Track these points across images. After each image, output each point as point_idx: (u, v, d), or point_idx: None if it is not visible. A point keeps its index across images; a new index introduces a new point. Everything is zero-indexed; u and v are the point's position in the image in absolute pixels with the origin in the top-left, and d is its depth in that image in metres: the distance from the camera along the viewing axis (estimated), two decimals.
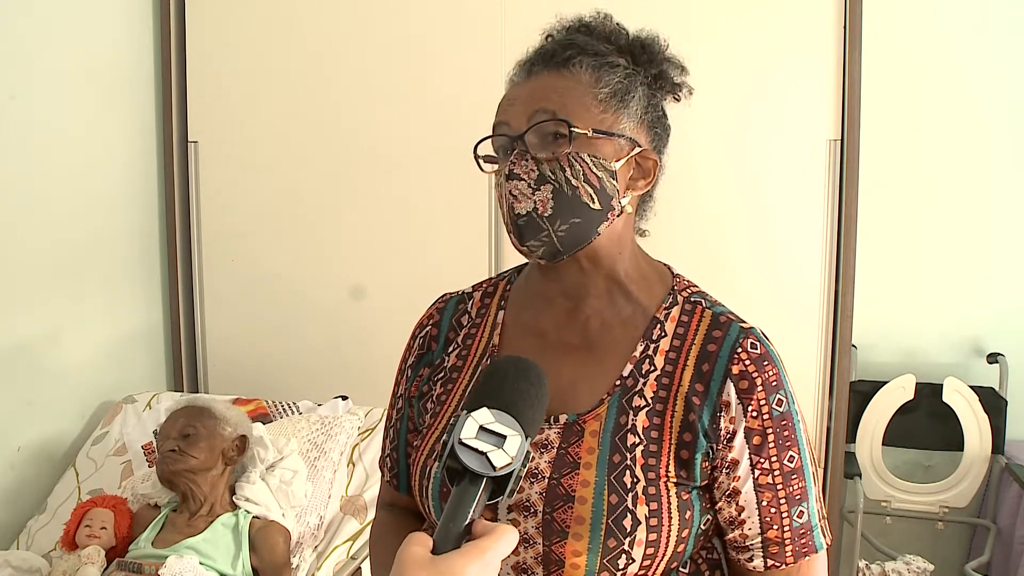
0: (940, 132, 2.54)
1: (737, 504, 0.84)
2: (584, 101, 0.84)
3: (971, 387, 2.46)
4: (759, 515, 0.83)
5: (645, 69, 0.90)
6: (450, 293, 1.03)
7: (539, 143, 0.84)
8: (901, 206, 2.57)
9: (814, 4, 2.00)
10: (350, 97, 2.27)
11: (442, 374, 0.96)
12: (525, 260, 0.96)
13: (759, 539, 0.84)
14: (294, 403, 2.12)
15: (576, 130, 0.82)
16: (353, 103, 2.27)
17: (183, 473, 1.62)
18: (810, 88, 2.02)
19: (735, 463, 0.83)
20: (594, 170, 0.84)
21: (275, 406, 2.11)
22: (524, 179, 0.84)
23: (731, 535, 0.86)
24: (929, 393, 2.49)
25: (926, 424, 2.52)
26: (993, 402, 2.46)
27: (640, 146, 0.87)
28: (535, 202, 0.84)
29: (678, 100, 0.93)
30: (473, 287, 1.03)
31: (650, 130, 0.89)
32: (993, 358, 2.52)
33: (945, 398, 2.47)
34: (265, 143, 2.34)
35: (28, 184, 1.95)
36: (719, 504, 0.85)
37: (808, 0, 2.00)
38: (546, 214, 0.84)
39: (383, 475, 1.05)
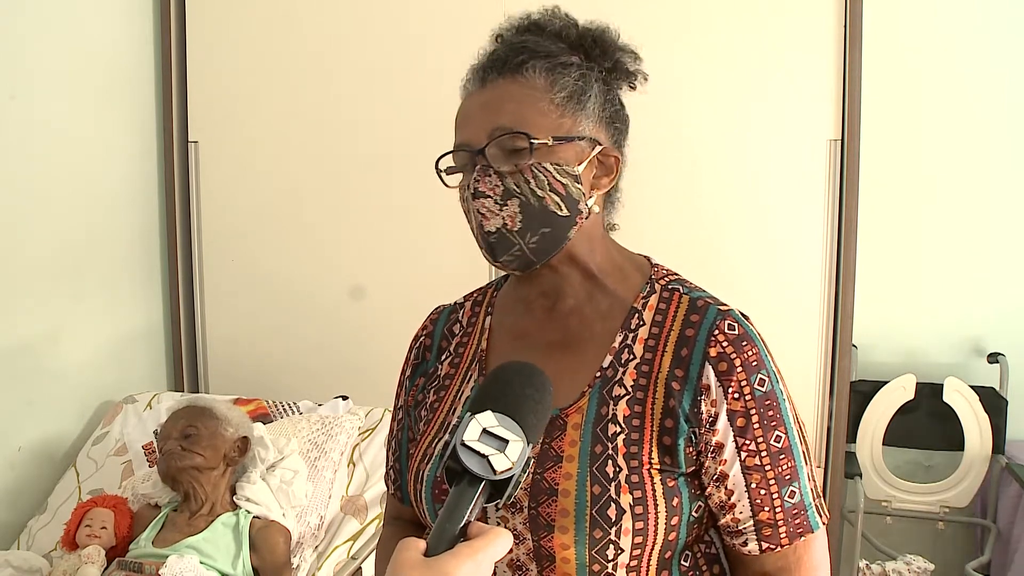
0: (940, 132, 2.54)
1: (726, 488, 0.83)
2: (541, 108, 0.83)
3: (971, 387, 2.46)
4: (749, 498, 0.83)
5: (599, 63, 0.89)
6: (443, 305, 1.05)
7: (501, 155, 0.83)
8: (901, 206, 2.57)
9: (814, 4, 2.00)
10: (350, 97, 2.27)
11: (435, 382, 0.97)
12: None
13: (751, 522, 0.84)
14: (294, 403, 2.11)
15: (536, 141, 0.82)
16: (353, 103, 2.27)
17: (188, 470, 1.62)
18: (810, 88, 2.02)
19: (720, 446, 0.82)
20: (558, 177, 0.83)
21: (275, 406, 2.10)
22: (490, 196, 0.84)
23: (723, 520, 0.85)
24: (929, 393, 2.49)
25: (926, 424, 2.52)
26: (993, 402, 2.46)
27: (601, 144, 0.87)
28: (503, 218, 0.84)
29: (633, 88, 0.93)
30: (464, 297, 1.04)
31: (609, 126, 0.89)
32: (993, 358, 2.52)
33: (945, 398, 2.47)
34: (265, 143, 2.34)
35: (28, 184, 1.95)
36: (708, 490, 0.85)
37: (808, 0, 2.00)
38: (515, 228, 0.84)
39: (388, 488, 1.06)
